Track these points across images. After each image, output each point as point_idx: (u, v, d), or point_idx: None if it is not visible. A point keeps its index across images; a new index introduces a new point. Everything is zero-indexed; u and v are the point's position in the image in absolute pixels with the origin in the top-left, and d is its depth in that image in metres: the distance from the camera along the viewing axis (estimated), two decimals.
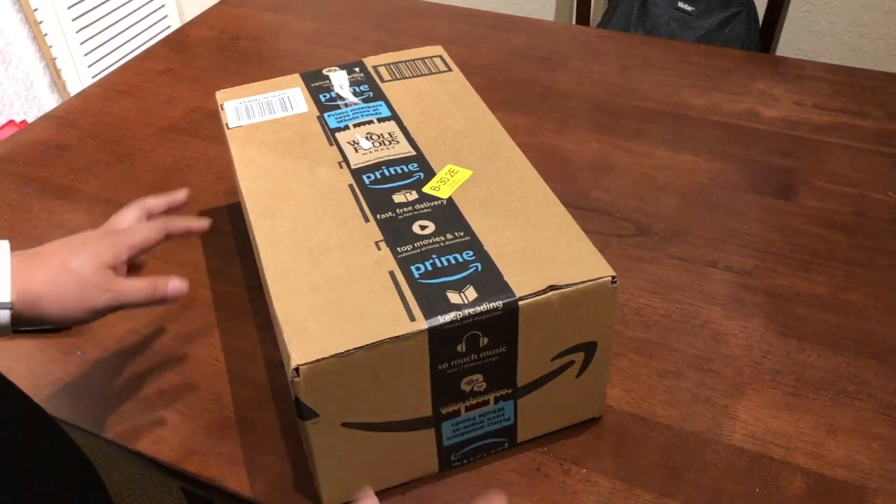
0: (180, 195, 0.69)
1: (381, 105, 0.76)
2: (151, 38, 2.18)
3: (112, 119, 1.06)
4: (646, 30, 1.63)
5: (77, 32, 1.97)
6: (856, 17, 1.72)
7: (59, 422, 0.63)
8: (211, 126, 1.04)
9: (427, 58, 0.83)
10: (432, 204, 0.64)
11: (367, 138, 0.71)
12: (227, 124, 0.75)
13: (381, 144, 0.70)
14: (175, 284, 0.61)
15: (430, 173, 0.67)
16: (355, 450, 0.57)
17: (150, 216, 0.67)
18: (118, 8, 2.06)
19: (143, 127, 1.04)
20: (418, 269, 0.58)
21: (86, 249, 0.58)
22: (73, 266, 0.56)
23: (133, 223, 0.64)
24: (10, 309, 0.52)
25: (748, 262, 0.80)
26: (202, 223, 0.67)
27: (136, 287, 0.59)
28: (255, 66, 1.16)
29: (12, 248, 0.55)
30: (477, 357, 0.56)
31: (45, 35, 1.90)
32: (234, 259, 0.83)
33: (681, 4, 1.60)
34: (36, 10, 1.86)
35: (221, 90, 0.80)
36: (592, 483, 0.61)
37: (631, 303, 0.76)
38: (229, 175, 0.95)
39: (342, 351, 0.52)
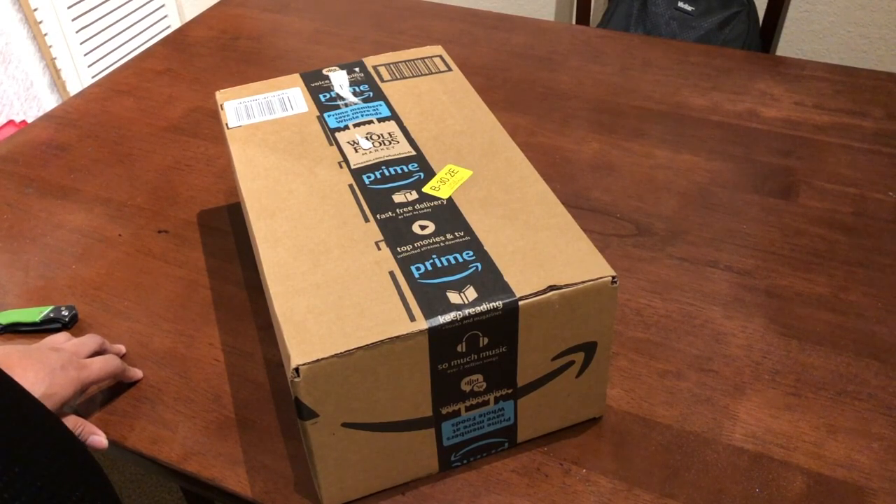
0: (122, 350, 0.74)
1: (381, 105, 0.76)
2: (151, 38, 2.18)
3: (112, 119, 1.06)
4: (646, 30, 1.63)
5: (77, 32, 1.97)
6: (856, 17, 1.72)
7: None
8: (211, 126, 1.04)
9: (427, 58, 0.83)
10: (432, 204, 0.64)
11: (367, 138, 0.71)
12: (226, 124, 0.75)
13: (381, 144, 0.70)
14: (96, 439, 0.65)
15: (430, 173, 0.67)
16: (355, 450, 0.57)
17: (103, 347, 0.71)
18: (118, 8, 2.06)
19: (143, 127, 1.04)
20: (418, 269, 0.58)
21: (45, 382, 0.60)
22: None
23: (91, 352, 0.68)
24: None
25: (748, 262, 0.80)
26: (137, 373, 0.71)
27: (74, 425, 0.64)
28: (255, 66, 1.16)
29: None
30: (477, 357, 0.56)
31: (45, 35, 1.90)
32: (234, 259, 0.83)
33: (681, 4, 1.60)
34: (36, 10, 1.86)
35: (221, 90, 0.80)
36: (592, 483, 0.61)
37: (631, 303, 0.76)
38: (229, 175, 0.95)
39: (342, 351, 0.52)
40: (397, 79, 0.80)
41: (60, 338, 0.68)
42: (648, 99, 1.04)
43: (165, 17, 2.21)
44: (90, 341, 0.68)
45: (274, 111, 0.76)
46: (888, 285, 0.77)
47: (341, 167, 0.68)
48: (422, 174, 0.67)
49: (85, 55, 2.01)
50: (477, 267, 0.57)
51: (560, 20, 2.03)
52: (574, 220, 0.62)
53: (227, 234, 0.86)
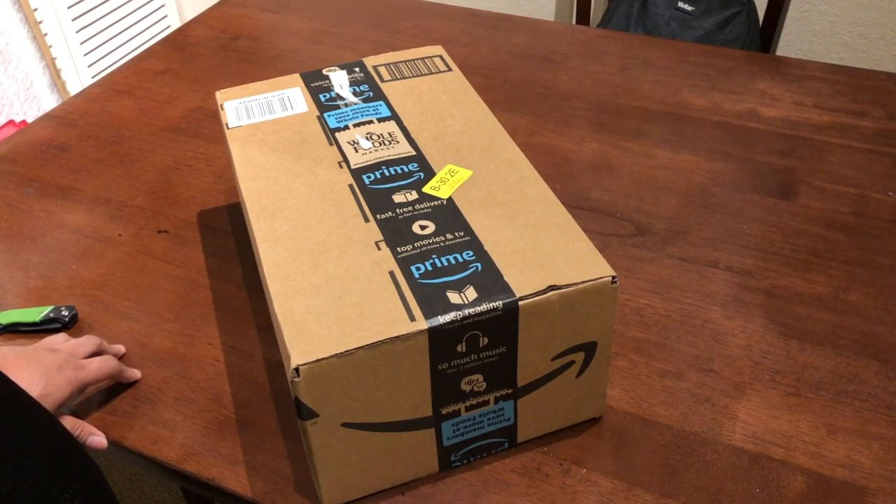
0: (121, 350, 0.74)
1: (381, 105, 0.76)
2: (151, 38, 2.18)
3: (112, 119, 1.06)
4: (646, 30, 1.63)
5: (77, 32, 1.97)
6: (856, 17, 1.72)
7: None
8: (211, 126, 1.04)
9: (427, 58, 0.83)
10: (432, 204, 0.64)
11: (367, 138, 0.71)
12: (226, 124, 0.75)
13: (381, 144, 0.70)
14: (96, 439, 0.65)
15: (430, 173, 0.67)
16: (355, 450, 0.57)
17: (101, 348, 0.71)
18: (118, 8, 2.06)
19: (143, 127, 1.04)
20: (418, 269, 0.58)
21: (41, 383, 0.60)
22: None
23: (88, 353, 0.68)
24: None
25: (748, 262, 0.80)
26: (135, 373, 0.71)
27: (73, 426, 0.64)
28: (255, 66, 1.16)
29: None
30: (477, 357, 0.56)
31: (45, 35, 1.90)
32: (234, 259, 0.83)
33: (681, 4, 1.60)
34: (36, 10, 1.86)
35: (221, 90, 0.80)
36: (592, 483, 0.61)
37: (631, 303, 0.76)
38: (229, 175, 0.95)
39: (342, 351, 0.52)
40: (397, 79, 0.80)
41: (58, 338, 0.69)
42: (648, 99, 1.04)
43: (165, 17, 2.21)
44: (88, 342, 0.68)
45: (274, 111, 0.76)
46: (888, 285, 0.77)
47: (341, 167, 0.68)
48: (422, 174, 0.67)
49: (85, 55, 2.01)
50: (477, 267, 0.57)
51: (560, 20, 2.03)
52: (574, 220, 0.62)
53: (227, 234, 0.86)
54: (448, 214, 0.62)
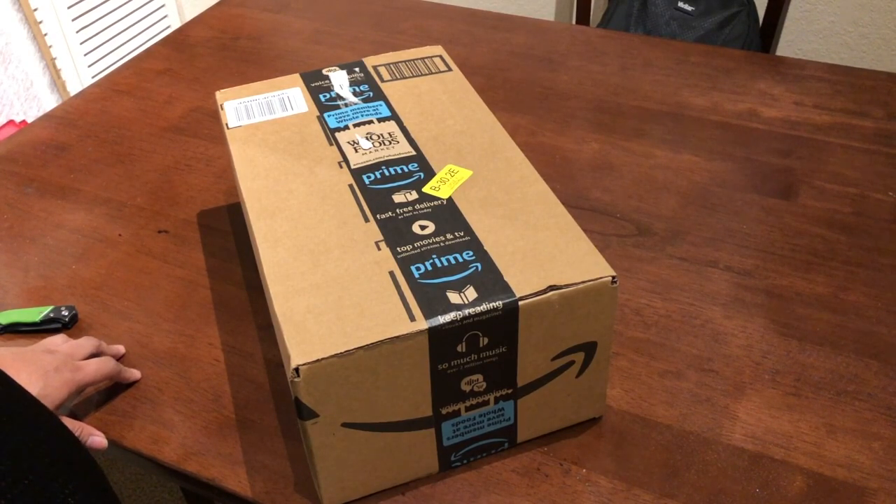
0: (121, 350, 0.73)
1: (381, 105, 0.76)
2: (151, 38, 2.18)
3: (112, 119, 1.06)
4: (646, 30, 1.63)
5: (77, 32, 1.97)
6: (856, 17, 1.72)
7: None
8: (211, 126, 1.04)
9: (427, 58, 0.83)
10: (432, 204, 0.64)
11: (366, 138, 0.71)
12: (226, 124, 0.75)
13: (381, 144, 0.70)
14: (96, 440, 0.65)
15: (430, 173, 0.67)
16: (355, 450, 0.57)
17: (99, 350, 0.71)
18: (118, 8, 2.06)
19: (142, 127, 1.04)
20: (418, 269, 0.58)
21: (39, 384, 0.60)
22: None
23: (87, 355, 0.68)
24: None
25: (748, 262, 0.80)
26: (134, 374, 0.71)
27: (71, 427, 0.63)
28: (255, 66, 1.16)
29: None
30: (477, 357, 0.56)
31: (45, 35, 1.90)
32: (234, 259, 0.83)
33: (681, 4, 1.60)
34: (36, 10, 1.86)
35: (221, 90, 0.80)
36: (592, 483, 0.61)
37: (631, 303, 0.76)
38: (229, 175, 0.95)
39: (342, 351, 0.52)
40: (397, 79, 0.80)
41: (57, 340, 0.69)
42: (648, 99, 1.04)
43: (165, 17, 2.21)
44: (86, 343, 0.68)
45: (274, 111, 0.76)
46: (888, 285, 0.77)
47: (341, 167, 0.68)
48: (422, 174, 0.67)
49: (85, 55, 2.01)
50: (477, 267, 0.57)
51: (560, 20, 2.03)
52: (574, 220, 0.62)
53: (227, 234, 0.86)
54: (448, 214, 0.62)
